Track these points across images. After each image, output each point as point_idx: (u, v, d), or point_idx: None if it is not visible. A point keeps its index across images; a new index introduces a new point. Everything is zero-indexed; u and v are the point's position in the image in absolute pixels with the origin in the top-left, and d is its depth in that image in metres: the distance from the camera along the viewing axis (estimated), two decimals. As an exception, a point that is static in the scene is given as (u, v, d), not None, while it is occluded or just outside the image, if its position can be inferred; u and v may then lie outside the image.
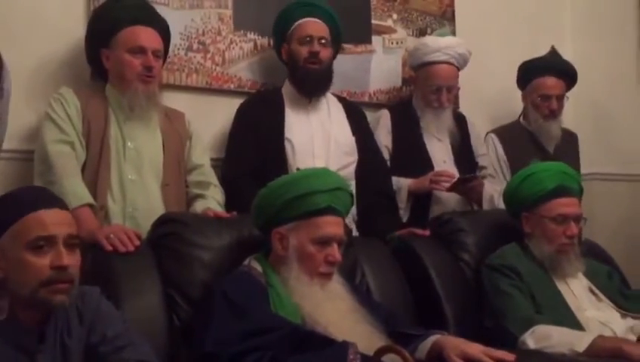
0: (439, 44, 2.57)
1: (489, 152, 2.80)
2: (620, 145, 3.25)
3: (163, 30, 2.11)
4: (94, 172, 1.98)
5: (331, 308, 1.62)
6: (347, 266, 1.93)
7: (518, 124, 2.88)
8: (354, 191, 2.31)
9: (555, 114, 2.77)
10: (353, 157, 2.39)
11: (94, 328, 1.38)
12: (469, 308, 2.06)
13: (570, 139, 2.94)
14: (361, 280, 2.00)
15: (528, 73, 2.82)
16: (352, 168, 2.38)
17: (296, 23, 2.35)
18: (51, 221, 1.31)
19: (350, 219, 2.28)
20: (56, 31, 2.17)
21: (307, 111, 2.38)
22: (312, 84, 2.35)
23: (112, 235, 1.75)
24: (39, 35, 2.14)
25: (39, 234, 1.29)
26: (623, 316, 1.97)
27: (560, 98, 2.78)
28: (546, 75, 2.77)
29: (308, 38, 2.33)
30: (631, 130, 3.23)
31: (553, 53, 2.87)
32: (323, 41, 2.34)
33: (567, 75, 2.81)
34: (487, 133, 2.86)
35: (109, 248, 1.74)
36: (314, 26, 2.35)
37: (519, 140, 2.80)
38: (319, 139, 2.34)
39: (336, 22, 2.41)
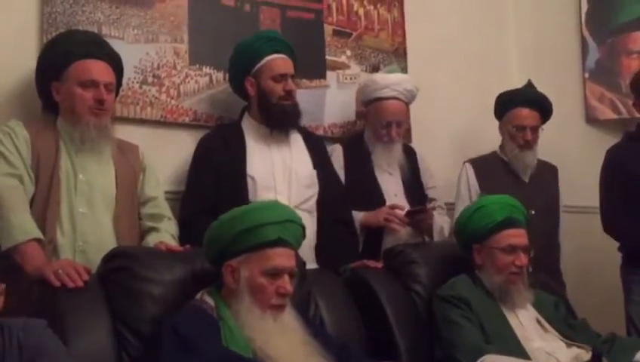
0: (387, 81, 2.64)
1: (460, 180, 2.85)
2: (568, 179, 3.36)
3: (115, 63, 2.10)
4: (43, 205, 1.94)
5: (283, 340, 1.62)
6: (301, 299, 1.93)
7: (495, 155, 2.93)
8: (315, 223, 2.35)
9: (530, 144, 2.82)
10: (314, 190, 2.41)
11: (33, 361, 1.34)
12: (421, 338, 2.08)
13: (548, 171, 2.97)
14: (315, 313, 2.00)
15: (504, 104, 2.89)
16: (314, 200, 2.40)
17: (266, 59, 2.36)
18: None
19: (309, 252, 2.28)
20: (7, 63, 2.14)
21: (268, 145, 2.39)
22: (288, 120, 2.39)
23: (60, 271, 1.72)
24: (-10, 67, 2.12)
25: None
26: (569, 346, 2.02)
27: (534, 129, 2.83)
28: (520, 106, 2.83)
29: (282, 76, 2.35)
30: (578, 164, 3.33)
31: (529, 85, 2.95)
32: (293, 77, 2.39)
33: (541, 107, 2.87)
34: (464, 163, 2.91)
35: (57, 284, 1.70)
36: (285, 63, 2.38)
37: (494, 170, 2.85)
38: (280, 173, 2.35)
39: (295, 55, 2.45)
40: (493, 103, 2.94)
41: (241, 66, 2.41)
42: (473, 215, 2.19)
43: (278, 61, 2.37)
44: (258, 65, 2.37)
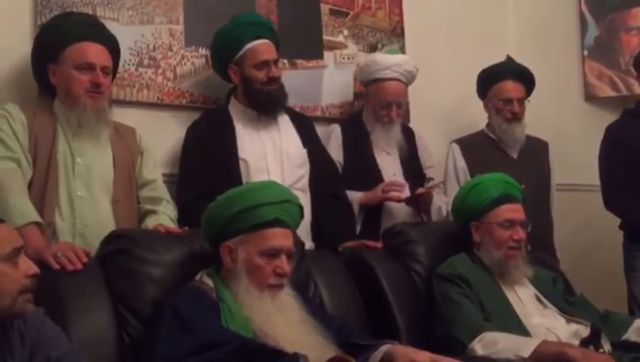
0: (388, 62, 2.63)
1: (448, 161, 2.85)
2: (567, 157, 3.36)
3: (112, 46, 2.09)
4: (41, 189, 1.94)
5: (282, 319, 1.62)
6: (300, 279, 1.94)
7: (482, 133, 2.91)
8: (309, 201, 2.35)
9: (517, 117, 2.80)
10: (306, 168, 2.42)
11: (37, 350, 1.34)
12: (420, 317, 2.09)
13: (539, 147, 2.95)
14: (314, 293, 2.01)
15: (487, 81, 2.86)
16: (306, 179, 2.41)
17: (247, 47, 2.34)
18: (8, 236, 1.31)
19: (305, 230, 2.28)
20: (1, 47, 2.13)
21: (257, 128, 2.39)
22: (274, 104, 2.38)
23: (59, 254, 1.72)
24: (-16, 51, 2.11)
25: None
26: (568, 321, 2.03)
27: (521, 101, 2.81)
28: (504, 79, 2.81)
29: (265, 63, 2.34)
30: (576, 142, 3.33)
31: (509, 59, 2.94)
32: (277, 61, 2.38)
33: (525, 78, 2.85)
34: (451, 143, 2.90)
35: (57, 267, 1.70)
36: (267, 49, 2.36)
37: (482, 149, 2.84)
38: (272, 155, 2.36)
39: (277, 35, 2.44)
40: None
41: (222, 55, 2.40)
42: (469, 193, 2.20)
43: (260, 48, 2.35)
44: (240, 54, 2.35)
